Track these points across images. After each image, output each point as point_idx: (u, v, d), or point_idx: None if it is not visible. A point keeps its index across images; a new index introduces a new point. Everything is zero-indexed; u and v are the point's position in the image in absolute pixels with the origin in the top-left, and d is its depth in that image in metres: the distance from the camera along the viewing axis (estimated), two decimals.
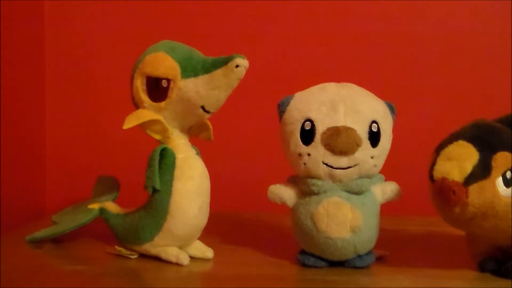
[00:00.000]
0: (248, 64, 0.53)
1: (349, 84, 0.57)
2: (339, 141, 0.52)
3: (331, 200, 0.53)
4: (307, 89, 0.57)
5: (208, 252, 0.59)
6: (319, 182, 0.54)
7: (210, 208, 0.58)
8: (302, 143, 0.54)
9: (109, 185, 0.68)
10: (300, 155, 0.54)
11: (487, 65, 0.84)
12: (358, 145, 0.52)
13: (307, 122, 0.54)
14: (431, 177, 0.49)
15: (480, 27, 0.84)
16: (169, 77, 0.54)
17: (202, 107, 0.54)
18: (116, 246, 0.60)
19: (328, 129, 0.53)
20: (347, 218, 0.53)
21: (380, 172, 0.56)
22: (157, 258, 0.57)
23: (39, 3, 0.86)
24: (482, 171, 0.48)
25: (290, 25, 0.86)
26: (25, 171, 0.83)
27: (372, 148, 0.53)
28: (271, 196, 0.56)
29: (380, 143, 0.54)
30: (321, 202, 0.53)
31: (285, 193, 0.56)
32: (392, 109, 0.56)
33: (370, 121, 0.53)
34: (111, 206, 0.61)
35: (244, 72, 0.53)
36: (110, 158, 0.87)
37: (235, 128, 0.84)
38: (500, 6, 0.84)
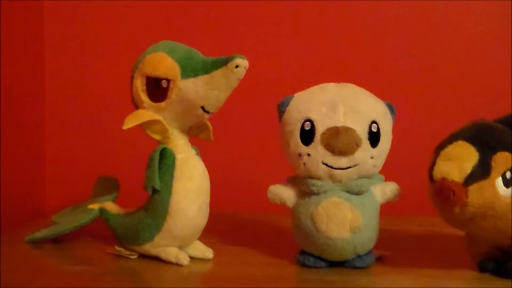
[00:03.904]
0: (248, 64, 0.53)
1: (349, 84, 0.56)
2: (339, 141, 0.52)
3: (331, 201, 0.53)
4: (307, 89, 0.57)
5: (208, 252, 0.58)
6: (319, 182, 0.54)
7: (210, 208, 0.58)
8: (302, 143, 0.54)
9: (109, 185, 0.68)
10: (300, 155, 0.54)
11: (487, 65, 0.84)
12: (357, 145, 0.52)
13: (307, 122, 0.54)
14: (430, 177, 0.49)
15: (480, 27, 0.84)
16: (169, 77, 0.54)
17: (202, 107, 0.54)
18: (116, 246, 0.60)
19: (328, 129, 0.53)
20: (347, 218, 0.53)
21: (380, 172, 0.56)
22: (157, 258, 0.57)
23: (39, 3, 0.86)
24: (481, 171, 0.48)
25: (290, 25, 0.86)
26: (25, 171, 0.83)
27: (372, 148, 0.53)
28: (271, 197, 0.56)
29: (380, 143, 0.54)
30: (321, 203, 0.53)
31: (285, 193, 0.56)
32: (392, 109, 0.56)
33: (370, 121, 0.53)
34: (111, 206, 0.61)
35: (244, 73, 0.53)
36: (110, 158, 0.87)
37: (235, 128, 0.84)
38: (500, 6, 0.84)
